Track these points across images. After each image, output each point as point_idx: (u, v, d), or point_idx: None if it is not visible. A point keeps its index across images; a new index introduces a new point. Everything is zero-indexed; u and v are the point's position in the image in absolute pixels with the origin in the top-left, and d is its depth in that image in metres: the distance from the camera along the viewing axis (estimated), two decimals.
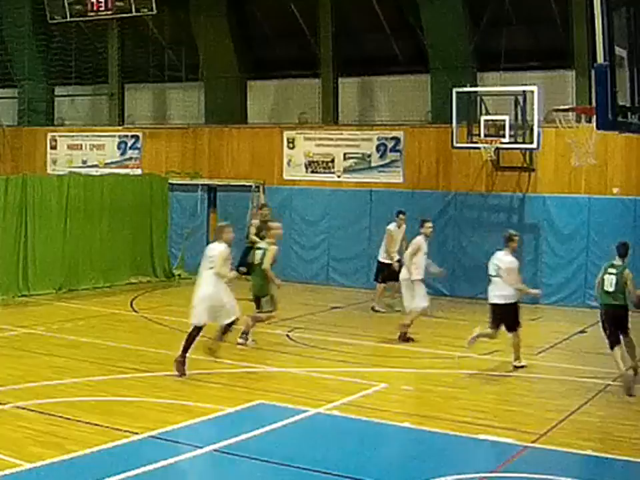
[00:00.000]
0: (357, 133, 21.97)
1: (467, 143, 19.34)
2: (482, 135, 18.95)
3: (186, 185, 23.34)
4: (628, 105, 7.76)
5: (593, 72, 8.69)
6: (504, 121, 18.81)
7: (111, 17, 23.83)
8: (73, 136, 26.01)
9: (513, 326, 12.86)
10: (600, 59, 7.50)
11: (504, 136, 18.77)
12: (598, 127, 7.89)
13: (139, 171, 24.37)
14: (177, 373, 11.77)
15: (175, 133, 24.36)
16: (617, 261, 12.04)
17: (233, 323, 12.17)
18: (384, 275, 17.80)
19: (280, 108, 23.86)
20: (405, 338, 14.77)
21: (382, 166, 21.54)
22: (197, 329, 11.94)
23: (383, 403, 10.86)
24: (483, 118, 19.05)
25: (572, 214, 19.16)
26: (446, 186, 20.69)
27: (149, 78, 25.18)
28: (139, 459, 8.42)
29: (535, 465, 8.86)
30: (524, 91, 18.69)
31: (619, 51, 7.68)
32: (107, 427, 9.31)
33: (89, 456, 8.42)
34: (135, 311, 17.50)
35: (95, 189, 20.38)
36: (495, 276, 12.95)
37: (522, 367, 12.96)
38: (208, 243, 23.55)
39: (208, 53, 24.11)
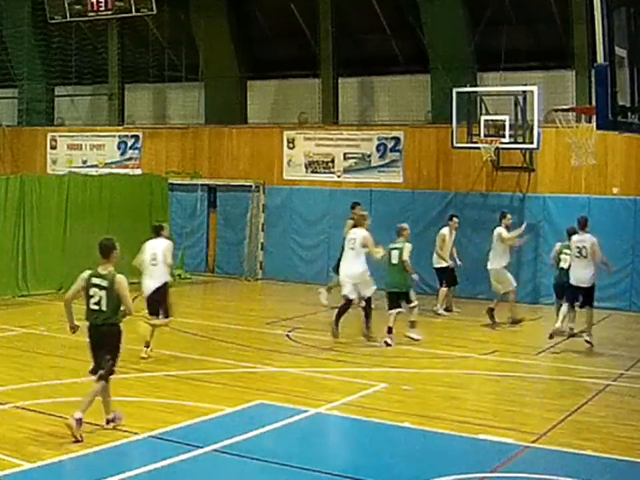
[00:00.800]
0: (357, 132, 21.96)
1: (467, 142, 19.34)
2: (482, 134, 18.95)
3: (186, 184, 23.33)
4: (628, 105, 7.77)
5: (593, 72, 8.71)
6: (504, 121, 18.82)
7: (110, 16, 23.79)
8: (72, 136, 26.01)
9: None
10: (600, 59, 7.51)
11: (504, 136, 18.78)
12: (598, 127, 7.91)
13: (138, 171, 24.36)
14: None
15: (174, 133, 24.36)
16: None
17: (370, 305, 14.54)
18: (447, 279, 17.85)
19: (280, 108, 23.84)
20: (516, 321, 16.49)
21: (382, 166, 21.53)
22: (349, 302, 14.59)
23: (383, 403, 10.85)
24: (482, 118, 19.06)
25: (572, 214, 19.10)
26: (446, 186, 20.69)
27: (148, 78, 25.17)
28: (139, 459, 8.42)
29: (535, 464, 8.86)
30: (524, 91, 18.69)
31: (619, 51, 7.69)
32: (107, 426, 9.30)
33: (89, 456, 8.42)
34: (135, 311, 17.40)
35: (95, 189, 20.38)
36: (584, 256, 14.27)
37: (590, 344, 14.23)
38: (208, 243, 23.96)
39: (208, 52, 24.11)
